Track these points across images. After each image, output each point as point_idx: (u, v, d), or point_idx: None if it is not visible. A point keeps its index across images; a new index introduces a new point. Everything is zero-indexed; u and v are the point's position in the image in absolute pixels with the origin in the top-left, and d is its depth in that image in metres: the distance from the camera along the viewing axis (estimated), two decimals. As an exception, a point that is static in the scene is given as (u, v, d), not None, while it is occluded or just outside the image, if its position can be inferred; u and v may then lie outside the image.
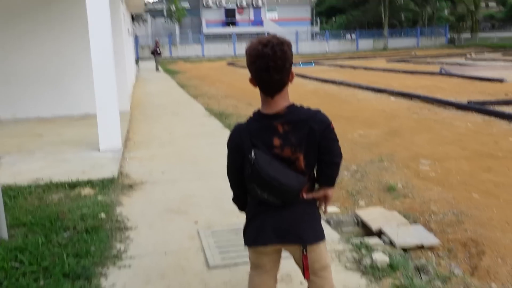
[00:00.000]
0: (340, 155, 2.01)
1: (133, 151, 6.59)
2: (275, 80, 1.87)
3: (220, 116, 9.59)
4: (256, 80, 1.91)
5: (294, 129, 1.90)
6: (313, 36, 53.22)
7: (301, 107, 1.96)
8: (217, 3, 50.88)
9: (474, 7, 48.29)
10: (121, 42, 10.03)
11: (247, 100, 12.37)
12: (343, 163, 5.84)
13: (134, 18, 32.81)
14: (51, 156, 6.11)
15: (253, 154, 1.89)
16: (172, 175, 5.33)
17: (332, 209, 4.38)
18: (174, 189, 4.80)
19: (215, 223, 3.88)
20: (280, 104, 1.92)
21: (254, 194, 1.96)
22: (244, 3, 51.22)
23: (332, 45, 48.85)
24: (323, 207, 2.13)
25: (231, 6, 51.40)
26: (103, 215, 4.00)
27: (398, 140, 7.04)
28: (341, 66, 24.89)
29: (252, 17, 51.80)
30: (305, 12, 51.53)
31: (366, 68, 22.05)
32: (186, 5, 60.89)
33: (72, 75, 9.61)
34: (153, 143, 7.06)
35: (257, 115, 1.99)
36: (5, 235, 3.60)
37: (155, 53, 27.91)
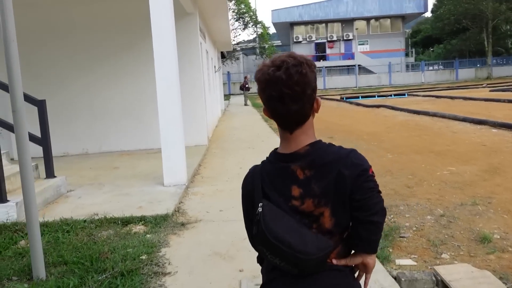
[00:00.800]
0: (381, 212, 1.45)
1: (198, 186, 6.35)
2: (293, 112, 1.40)
3: (297, 150, 9.12)
4: (269, 111, 1.46)
5: (318, 174, 1.41)
6: (408, 67, 51.12)
7: (330, 145, 1.47)
8: (307, 38, 51.29)
9: None
10: (199, 78, 10.12)
11: (330, 133, 11.81)
12: (426, 206, 5.06)
13: (225, 55, 34.15)
14: (117, 190, 6.08)
15: (259, 207, 1.44)
16: (230, 213, 4.93)
17: (406, 261, 3.64)
18: (227, 230, 4.39)
19: (263, 273, 3.36)
20: (301, 141, 1.45)
21: (265, 257, 1.48)
22: (335, 37, 51.01)
23: (429, 76, 46.45)
24: (362, 279, 1.56)
25: (321, 40, 51.48)
26: (144, 256, 3.69)
27: (499, 179, 5.98)
28: (437, 97, 23.23)
29: (342, 50, 51.30)
30: (398, 43, 49.77)
31: (465, 98, 20.29)
32: (277, 42, 62.53)
33: (152, 110, 9.81)
34: (221, 178, 6.78)
35: (273, 155, 1.52)
36: (42, 274, 3.43)
37: (244, 88, 28.54)
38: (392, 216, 4.77)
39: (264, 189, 1.49)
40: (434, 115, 14.03)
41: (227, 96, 40.58)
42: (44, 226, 4.51)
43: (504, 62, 48.09)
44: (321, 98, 24.53)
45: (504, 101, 17.43)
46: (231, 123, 16.50)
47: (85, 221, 4.62)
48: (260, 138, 11.31)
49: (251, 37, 53.15)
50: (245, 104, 27.64)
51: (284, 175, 1.45)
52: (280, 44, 63.29)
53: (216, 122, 16.33)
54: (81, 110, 10.04)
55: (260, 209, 1.46)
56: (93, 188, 6.29)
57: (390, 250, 3.88)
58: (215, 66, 18.21)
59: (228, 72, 46.46)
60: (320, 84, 46.36)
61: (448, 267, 3.38)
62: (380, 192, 1.43)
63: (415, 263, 3.61)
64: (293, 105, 1.39)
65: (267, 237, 1.40)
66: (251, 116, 18.98)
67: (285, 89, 1.37)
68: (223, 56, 32.62)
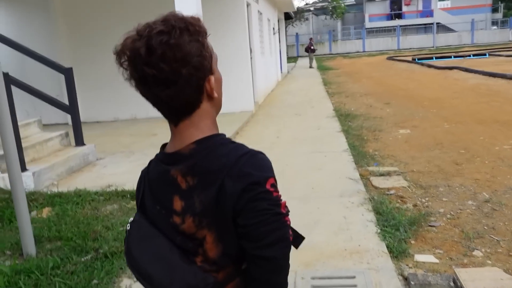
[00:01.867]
0: (280, 244, 1.00)
1: (226, 156, 6.05)
2: (165, 98, 0.99)
3: (345, 117, 8.51)
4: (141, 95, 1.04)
5: (201, 184, 1.00)
6: (494, 24, 46.45)
7: (224, 144, 1.04)
8: (383, -5, 48.18)
9: None
10: (245, 41, 9.66)
11: (387, 98, 10.95)
12: (470, 188, 4.36)
13: (291, 16, 33.04)
14: (144, 159, 5.93)
15: (128, 224, 1.12)
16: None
17: (427, 258, 3.09)
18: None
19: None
20: (187, 136, 1.04)
21: None
22: (412, -7, 47.41)
23: (518, 33, 41.89)
24: None
25: (397, -3, 48.13)
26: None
27: None
28: (523, 57, 20.80)
29: (420, 7, 47.62)
30: (484, -2, 45.16)
31: (556, 59, 17.91)
32: (350, 1, 59.61)
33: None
34: (253, 148, 6.42)
35: (160, 152, 1.12)
36: (32, 251, 3.34)
37: (309, 50, 27.61)
38: (427, 199, 4.16)
39: (144, 198, 1.12)
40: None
41: (294, 58, 39.67)
42: (58, 196, 4.48)
43: None
44: (392, 59, 23.17)
45: None
46: (288, 87, 15.93)
47: (96, 193, 4.52)
48: (310, 104, 10.72)
49: (321, -4, 50.98)
50: (310, 67, 26.75)
51: (165, 181, 1.05)
52: (354, 2, 60.22)
53: (273, 86, 15.85)
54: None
55: (128, 227, 1.11)
56: (122, 156, 6.23)
57: (412, 242, 3.34)
58: (273, 28, 17.54)
59: (297, 33, 45.22)
60: (393, 44, 43.81)
61: (472, 271, 2.80)
62: (282, 214, 1.00)
63: (437, 261, 3.05)
64: (162, 89, 0.97)
65: (127, 262, 1.09)
66: (311, 79, 18.24)
67: (145, 67, 0.95)
68: (290, 17, 31.56)
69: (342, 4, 46.26)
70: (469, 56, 24.63)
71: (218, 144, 1.04)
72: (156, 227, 1.06)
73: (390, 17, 48.03)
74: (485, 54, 24.86)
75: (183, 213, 1.01)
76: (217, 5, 9.47)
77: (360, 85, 14.82)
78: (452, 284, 2.70)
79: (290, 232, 1.04)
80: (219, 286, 1.02)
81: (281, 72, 21.49)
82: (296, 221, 3.67)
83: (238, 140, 7.11)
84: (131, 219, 1.13)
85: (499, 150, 5.53)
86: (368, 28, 46.55)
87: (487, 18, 44.93)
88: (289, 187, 4.58)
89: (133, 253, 1.07)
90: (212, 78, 1.03)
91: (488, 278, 2.67)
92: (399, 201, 4.12)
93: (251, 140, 7.00)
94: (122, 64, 0.99)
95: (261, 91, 12.05)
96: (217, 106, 1.10)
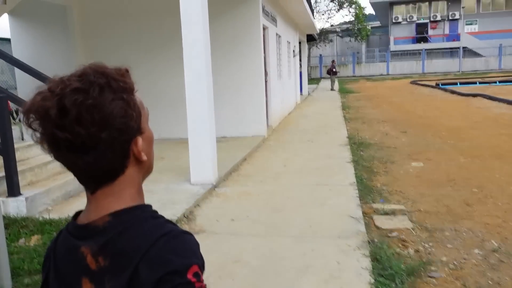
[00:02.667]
0: None
1: (228, 185, 5.90)
2: (84, 166, 0.85)
3: (358, 146, 8.28)
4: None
5: (114, 267, 0.83)
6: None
7: (146, 219, 0.88)
8: (408, 18, 47.83)
9: None
10: (260, 64, 9.59)
11: (405, 126, 10.68)
12: (479, 234, 4.07)
13: (315, 38, 33.04)
14: (143, 185, 5.85)
15: None
16: (240, 225, 4.41)
17: (422, 316, 2.84)
18: (224, 247, 3.88)
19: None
20: (103, 206, 0.88)
21: None
22: (439, 17, 46.89)
23: (551, 60, 40.84)
24: None
25: (423, 20, 47.69)
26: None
27: None
28: (552, 86, 20.15)
29: (446, 31, 47.04)
30: (514, 22, 44.28)
31: None
32: (376, 23, 59.43)
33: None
34: (256, 177, 6.26)
35: (71, 223, 0.95)
36: (8, 285, 3.23)
37: (331, 72, 27.50)
38: (431, 244, 3.90)
39: (48, 278, 0.97)
40: (538, 109, 12.02)
41: (317, 80, 39.60)
42: (49, 224, 4.40)
43: None
44: (415, 84, 23.02)
45: None
46: (306, 110, 15.78)
47: (88, 221, 4.41)
48: (325, 130, 10.52)
49: (346, 18, 51.02)
50: (332, 89, 26.59)
51: (73, 260, 0.89)
52: (380, 25, 60.00)
53: (291, 108, 15.72)
54: (142, 95, 10.07)
55: None
56: (124, 181, 6.14)
57: (409, 294, 3.09)
58: (294, 51, 17.50)
59: (320, 55, 45.23)
60: (418, 68, 43.37)
61: (468, 337, 2.54)
62: None
63: (433, 320, 2.80)
64: (79, 157, 0.83)
65: None
66: (330, 103, 18.04)
67: (57, 131, 0.80)
68: (313, 38, 31.55)
69: (368, 27, 46.18)
70: (495, 82, 24.04)
71: (138, 219, 0.87)
72: None
73: (416, 40, 47.58)
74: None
75: None
76: (232, 28, 9.46)
77: (379, 111, 14.54)
78: None
79: None
80: None
81: (301, 94, 21.38)
82: (287, 265, 3.46)
83: (246, 167, 6.97)
84: None
85: (515, 190, 5.22)
86: (392, 51, 46.19)
87: (516, 43, 43.99)
88: (286, 224, 4.39)
89: None
90: (140, 139, 0.89)
91: None
92: (400, 245, 3.87)
93: (257, 169, 6.84)
94: (30, 124, 0.83)
95: (276, 115, 11.92)
96: (147, 169, 0.95)
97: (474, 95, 17.08)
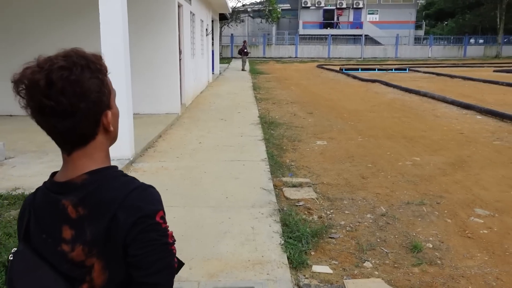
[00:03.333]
0: (164, 272, 1.08)
1: (145, 161, 6.03)
2: (62, 130, 1.04)
3: (269, 125, 8.77)
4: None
5: (92, 215, 1.05)
6: (417, 40, 49.74)
7: (116, 177, 1.11)
8: (316, 4, 49.72)
9: None
10: (175, 42, 9.62)
11: (311, 108, 11.41)
12: (371, 202, 4.73)
13: (227, 17, 33.12)
14: (57, 159, 5.69)
15: (10, 255, 1.12)
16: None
17: (323, 269, 3.34)
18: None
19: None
20: (79, 166, 1.09)
21: None
22: (344, 4, 49.40)
23: (436, 51, 45.31)
24: None
25: (330, 7, 49.92)
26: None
27: (460, 175, 5.61)
28: (437, 74, 22.52)
29: (351, 19, 49.80)
30: (409, 15, 48.17)
31: (464, 78, 19.61)
32: (286, 5, 60.67)
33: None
34: (173, 153, 6.45)
35: (48, 181, 1.14)
36: None
37: (242, 53, 27.88)
38: (331, 211, 4.45)
39: (29, 227, 1.14)
40: (424, 95, 13.51)
41: (228, 59, 39.83)
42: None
43: (516, 41, 46.67)
44: (321, 68, 24.10)
45: (502, 83, 16.80)
46: (218, 89, 16.03)
47: (1, 196, 4.33)
48: (237, 109, 10.89)
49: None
50: (242, 69, 27.04)
51: (54, 211, 1.08)
52: (289, 7, 61.54)
53: (203, 88, 15.86)
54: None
55: (11, 257, 1.13)
56: (34, 156, 5.98)
57: (312, 253, 3.58)
58: (206, 29, 17.54)
59: (232, 34, 45.41)
60: (325, 52, 45.43)
61: (359, 282, 3.07)
62: (169, 244, 1.08)
63: (331, 272, 3.30)
64: (59, 120, 1.03)
65: None
66: (242, 83, 18.48)
67: (44, 98, 1.00)
68: (225, 18, 31.61)
69: (278, 9, 47.07)
70: (391, 70, 26.23)
71: (110, 176, 1.10)
72: (41, 257, 1.10)
73: (323, 25, 49.73)
74: (405, 69, 26.60)
75: (73, 242, 1.06)
76: (147, 5, 9.34)
77: (288, 92, 15.28)
78: (340, 294, 2.94)
79: (176, 260, 1.13)
80: None
81: (213, 73, 21.51)
82: (207, 231, 3.79)
83: (161, 144, 7.11)
84: (14, 249, 1.16)
85: (401, 165, 6.03)
86: (301, 35, 47.84)
87: (410, 34, 47.97)
88: (204, 195, 4.69)
89: (15, 285, 1.11)
90: (109, 113, 1.10)
91: (371, 289, 2.95)
92: (306, 212, 4.38)
93: (173, 145, 7.01)
94: (19, 92, 1.02)
95: (190, 93, 12.04)
96: (113, 139, 1.17)
97: (373, 81, 18.59)
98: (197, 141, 7.32)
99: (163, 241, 1.07)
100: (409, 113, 10.53)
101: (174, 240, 1.12)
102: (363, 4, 48.47)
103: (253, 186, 4.97)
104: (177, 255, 1.14)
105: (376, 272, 3.30)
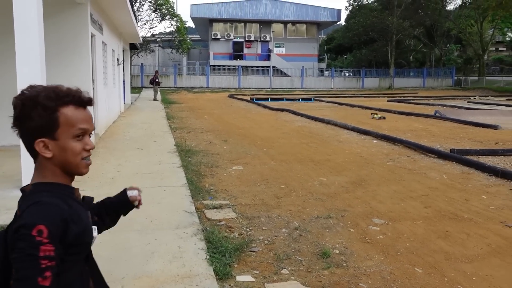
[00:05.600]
0: (24, 281, 1.17)
1: (63, 190, 5.98)
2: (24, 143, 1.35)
3: (186, 152, 9.04)
4: None
5: (15, 219, 1.28)
6: (320, 72, 53.28)
7: (39, 193, 1.29)
8: (226, 36, 51.34)
9: (481, 51, 48.09)
10: (88, 72, 9.61)
11: (225, 136, 11.87)
12: (285, 218, 5.22)
13: (137, 47, 32.97)
14: None
15: None
16: (84, 223, 4.69)
17: (245, 278, 3.69)
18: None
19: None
20: (33, 177, 1.37)
21: None
22: (253, 37, 51.62)
23: (338, 82, 48.82)
24: None
25: (239, 39, 51.82)
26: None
27: (360, 191, 6.36)
28: (339, 104, 24.42)
29: (259, 51, 52.09)
30: (312, 49, 51.67)
31: (363, 107, 21.52)
32: (196, 36, 61.64)
33: None
34: (92, 182, 6.45)
35: None
36: None
37: (154, 82, 27.90)
38: (250, 228, 4.85)
39: None
40: (328, 122, 14.70)
41: (138, 89, 39.34)
42: None
43: (405, 74, 51.99)
44: (233, 97, 24.79)
45: (394, 112, 18.77)
46: (131, 119, 15.94)
47: None
48: (153, 138, 11.02)
49: (168, 30, 52.01)
50: (154, 99, 26.99)
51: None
52: (200, 39, 62.71)
53: (115, 117, 15.69)
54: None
55: None
56: None
57: (235, 265, 3.92)
58: (118, 59, 17.48)
59: (142, 64, 45.09)
60: (235, 82, 46.73)
61: (278, 285, 3.48)
62: (35, 256, 1.17)
63: (254, 280, 3.67)
64: (16, 133, 1.34)
65: None
66: (155, 113, 18.53)
67: (13, 115, 1.32)
68: (135, 47, 31.45)
69: (188, 40, 47.75)
70: (298, 99, 27.88)
71: (38, 191, 1.30)
72: None
73: (233, 57, 51.36)
74: (311, 99, 28.44)
75: None
76: (60, 35, 9.28)
77: (201, 121, 15.67)
78: (262, 297, 3.32)
79: (48, 274, 1.17)
80: None
81: (124, 103, 21.27)
82: (135, 252, 4.01)
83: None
84: None
85: (310, 185, 6.65)
86: (212, 65, 48.89)
87: (314, 66, 51.34)
88: (129, 220, 4.80)
89: None
90: (44, 142, 1.30)
91: (289, 290, 3.36)
92: (227, 230, 4.72)
93: (90, 174, 6.96)
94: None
95: (103, 123, 11.93)
96: (60, 164, 1.34)
97: (282, 110, 19.70)
98: (115, 169, 7.37)
99: (28, 252, 1.17)
100: (315, 139, 11.44)
101: (52, 257, 1.19)
102: (270, 37, 51.09)
103: (176, 210, 5.22)
104: (107, 276, 1.37)
105: (293, 277, 3.73)
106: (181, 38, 45.61)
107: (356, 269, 3.85)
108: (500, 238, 4.56)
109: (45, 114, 1.29)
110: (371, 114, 17.48)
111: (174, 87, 44.59)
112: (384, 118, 16.45)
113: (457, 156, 8.40)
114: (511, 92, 34.72)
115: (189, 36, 49.70)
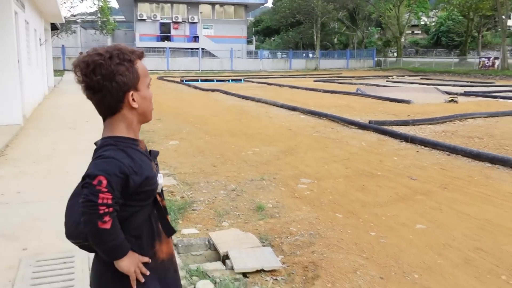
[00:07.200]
0: (85, 224, 1.40)
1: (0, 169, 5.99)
2: (95, 102, 1.47)
3: (121, 131, 9.13)
4: None
5: None
6: (249, 54, 53.80)
7: (108, 146, 1.45)
8: (152, 17, 50.06)
9: (399, 33, 51.17)
10: (13, 51, 9.31)
11: (159, 115, 11.99)
12: (223, 182, 5.68)
13: (58, 27, 31.36)
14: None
15: None
16: (29, 195, 4.84)
17: (190, 231, 4.11)
18: (20, 212, 4.33)
19: (49, 251, 3.47)
20: (104, 132, 1.50)
21: None
22: (180, 19, 50.80)
23: (266, 64, 49.65)
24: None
25: (166, 20, 50.78)
26: None
27: (290, 158, 6.97)
28: (268, 84, 25.15)
29: (187, 32, 51.45)
30: (241, 31, 51.96)
31: (291, 87, 22.38)
32: (121, 17, 59.41)
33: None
34: (28, 160, 6.48)
35: None
36: None
37: (79, 64, 26.78)
38: (191, 192, 5.25)
39: None
40: (258, 101, 15.27)
41: (60, 71, 37.48)
42: None
43: (330, 56, 54.05)
44: (162, 79, 24.35)
45: (320, 90, 19.81)
46: (57, 101, 15.46)
47: None
48: (85, 119, 10.93)
49: (91, 10, 49.67)
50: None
51: None
52: (125, 20, 60.47)
53: (41, 99, 15.14)
54: None
55: None
56: None
57: (180, 221, 4.32)
58: (40, 39, 16.75)
59: (63, 45, 42.85)
60: (163, 64, 45.92)
61: (220, 233, 3.94)
62: (94, 202, 1.36)
63: (198, 232, 4.10)
64: (92, 94, 1.44)
65: None
66: (82, 95, 17.87)
67: (83, 76, 1.42)
68: (55, 28, 29.90)
69: (112, 20, 45.99)
70: (228, 80, 28.25)
71: (106, 144, 1.45)
72: None
73: (160, 38, 50.28)
74: (241, 80, 28.92)
75: None
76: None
77: (133, 102, 15.55)
78: (207, 242, 3.77)
79: (107, 219, 1.36)
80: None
81: (48, 85, 20.43)
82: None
83: (11, 152, 7.01)
84: None
85: (244, 155, 7.15)
86: (138, 47, 47.00)
87: (243, 48, 51.68)
88: (68, 191, 5.02)
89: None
90: (132, 93, 1.45)
91: (230, 235, 3.84)
92: (170, 195, 5.09)
93: (24, 153, 6.97)
94: (75, 72, 1.46)
95: (29, 105, 11.57)
96: (141, 115, 1.53)
97: (213, 90, 20.00)
98: (51, 147, 7.38)
99: (88, 198, 1.36)
100: (247, 116, 11.97)
101: (110, 204, 1.36)
102: (198, 19, 50.61)
103: (118, 179, 5.47)
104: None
105: (233, 228, 4.21)
106: (104, 19, 43.82)
107: (287, 218, 4.41)
108: (405, 188, 5.36)
109: (131, 68, 1.44)
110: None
111: (100, 70, 42.92)
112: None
113: (374, 126, 9.32)
114: (424, 72, 37.56)
115: (114, 17, 47.81)
